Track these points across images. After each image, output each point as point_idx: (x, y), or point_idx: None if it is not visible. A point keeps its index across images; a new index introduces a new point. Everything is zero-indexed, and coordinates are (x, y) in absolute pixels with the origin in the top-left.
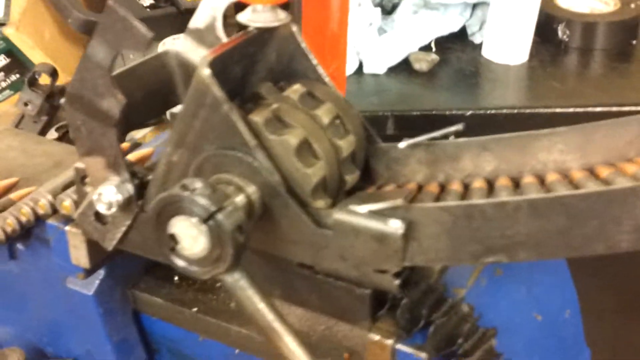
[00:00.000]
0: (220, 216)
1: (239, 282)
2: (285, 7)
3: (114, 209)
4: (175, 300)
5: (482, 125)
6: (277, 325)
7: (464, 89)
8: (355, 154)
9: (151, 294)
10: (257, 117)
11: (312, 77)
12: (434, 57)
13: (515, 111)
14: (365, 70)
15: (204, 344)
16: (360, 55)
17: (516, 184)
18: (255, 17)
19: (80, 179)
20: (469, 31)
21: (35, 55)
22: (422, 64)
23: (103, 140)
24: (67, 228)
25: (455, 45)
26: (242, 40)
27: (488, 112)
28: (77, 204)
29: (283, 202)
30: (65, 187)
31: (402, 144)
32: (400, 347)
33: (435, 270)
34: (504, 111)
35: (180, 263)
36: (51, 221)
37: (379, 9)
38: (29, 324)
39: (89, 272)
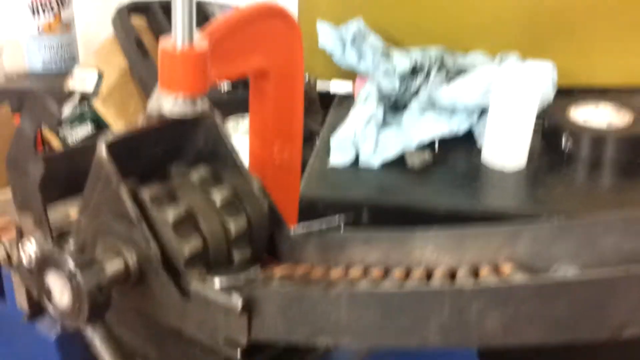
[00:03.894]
0: (79, 275)
1: (94, 337)
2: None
3: (33, 264)
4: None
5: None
6: None
7: (449, 189)
8: (252, 234)
9: None
10: (145, 193)
11: (230, 163)
12: (426, 156)
13: (489, 212)
14: (361, 163)
15: None
16: (358, 148)
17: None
18: (175, 109)
19: (19, 231)
20: (476, 136)
21: (119, 125)
22: (414, 161)
23: (32, 200)
24: (12, 272)
25: (460, 147)
26: (154, 128)
27: (460, 211)
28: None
29: (156, 271)
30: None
31: (294, 231)
32: None
33: (315, 352)
34: (477, 211)
35: (53, 313)
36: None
37: (381, 106)
38: None
39: (29, 317)
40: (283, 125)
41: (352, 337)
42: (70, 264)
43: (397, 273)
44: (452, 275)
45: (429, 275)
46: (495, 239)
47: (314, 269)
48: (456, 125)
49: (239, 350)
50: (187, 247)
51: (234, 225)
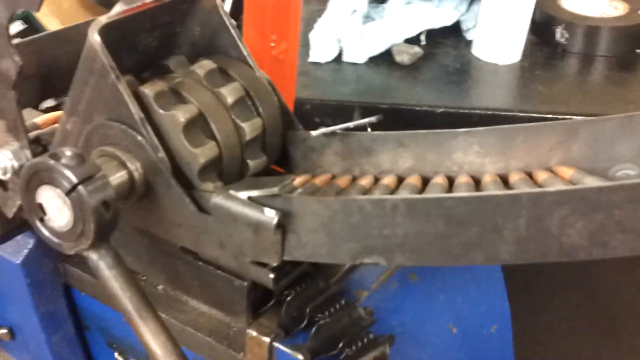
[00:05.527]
0: (82, 189)
1: (100, 262)
2: None
3: (9, 175)
4: None
5: (453, 124)
6: (134, 313)
7: (443, 86)
8: (266, 139)
9: (82, 269)
10: (149, 90)
11: (234, 54)
12: (417, 50)
13: (489, 112)
14: (345, 58)
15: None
16: (341, 42)
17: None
18: None
19: None
20: (464, 27)
21: (51, 23)
22: (403, 57)
23: (4, 103)
24: None
25: (448, 40)
26: (147, 8)
27: (459, 111)
28: None
29: (165, 182)
30: None
31: (315, 132)
32: (278, 345)
33: (340, 269)
34: (477, 111)
35: (47, 235)
36: None
37: None
38: None
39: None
40: (280, 15)
41: (407, 254)
42: (71, 177)
43: (439, 179)
44: (504, 181)
45: (476, 182)
46: (548, 138)
47: (338, 179)
48: (445, 16)
49: (271, 274)
50: (202, 153)
51: (250, 128)
